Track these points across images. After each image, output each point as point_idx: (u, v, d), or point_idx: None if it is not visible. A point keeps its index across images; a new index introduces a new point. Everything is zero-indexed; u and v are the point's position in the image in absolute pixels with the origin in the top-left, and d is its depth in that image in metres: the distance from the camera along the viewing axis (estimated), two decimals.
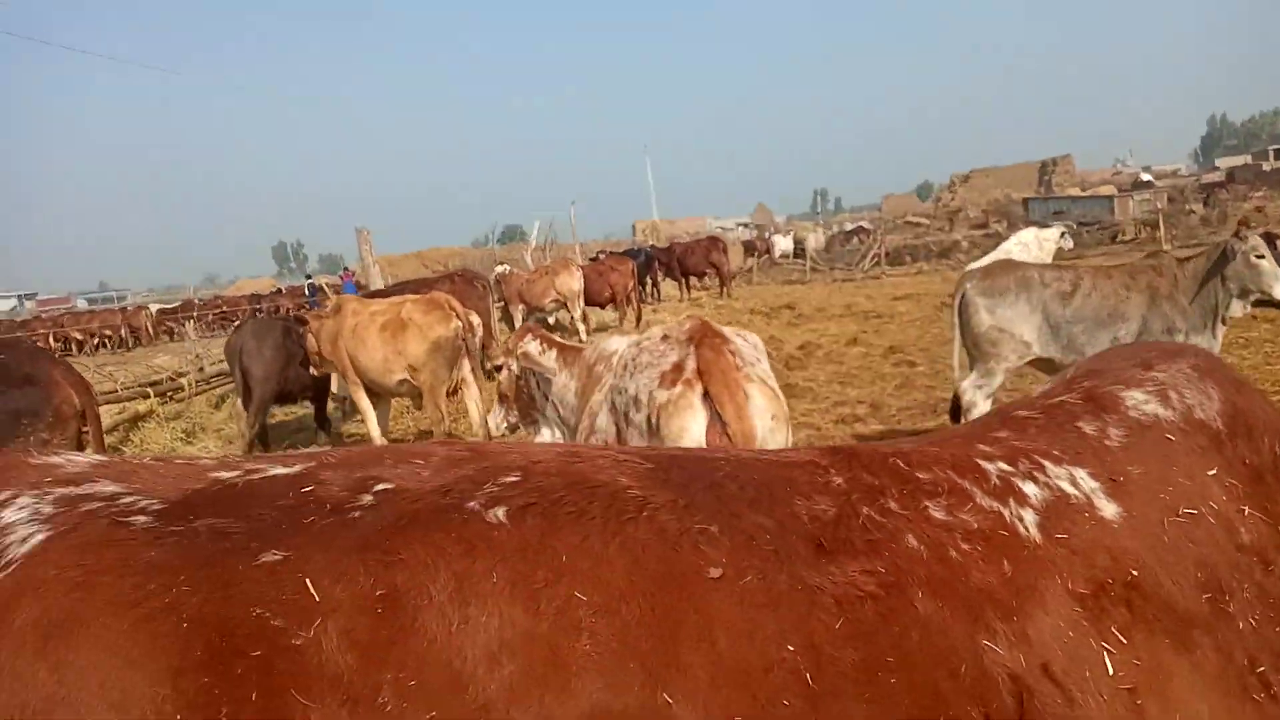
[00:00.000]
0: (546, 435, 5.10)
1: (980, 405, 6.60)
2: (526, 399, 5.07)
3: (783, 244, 37.99)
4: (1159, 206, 29.57)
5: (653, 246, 27.52)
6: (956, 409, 6.84)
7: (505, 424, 5.18)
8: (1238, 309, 6.25)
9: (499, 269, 17.93)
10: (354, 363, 8.15)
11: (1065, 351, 6.53)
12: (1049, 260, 19.21)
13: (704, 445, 3.19)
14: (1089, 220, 29.67)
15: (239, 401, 8.84)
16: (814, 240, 38.22)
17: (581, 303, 15.78)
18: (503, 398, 5.15)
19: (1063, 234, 20.78)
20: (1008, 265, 7.09)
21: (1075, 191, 46.38)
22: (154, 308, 39.14)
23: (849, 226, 43.85)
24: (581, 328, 15.67)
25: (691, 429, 3.28)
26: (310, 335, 8.45)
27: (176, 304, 41.13)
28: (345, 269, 27.72)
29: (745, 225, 74.31)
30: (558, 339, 5.10)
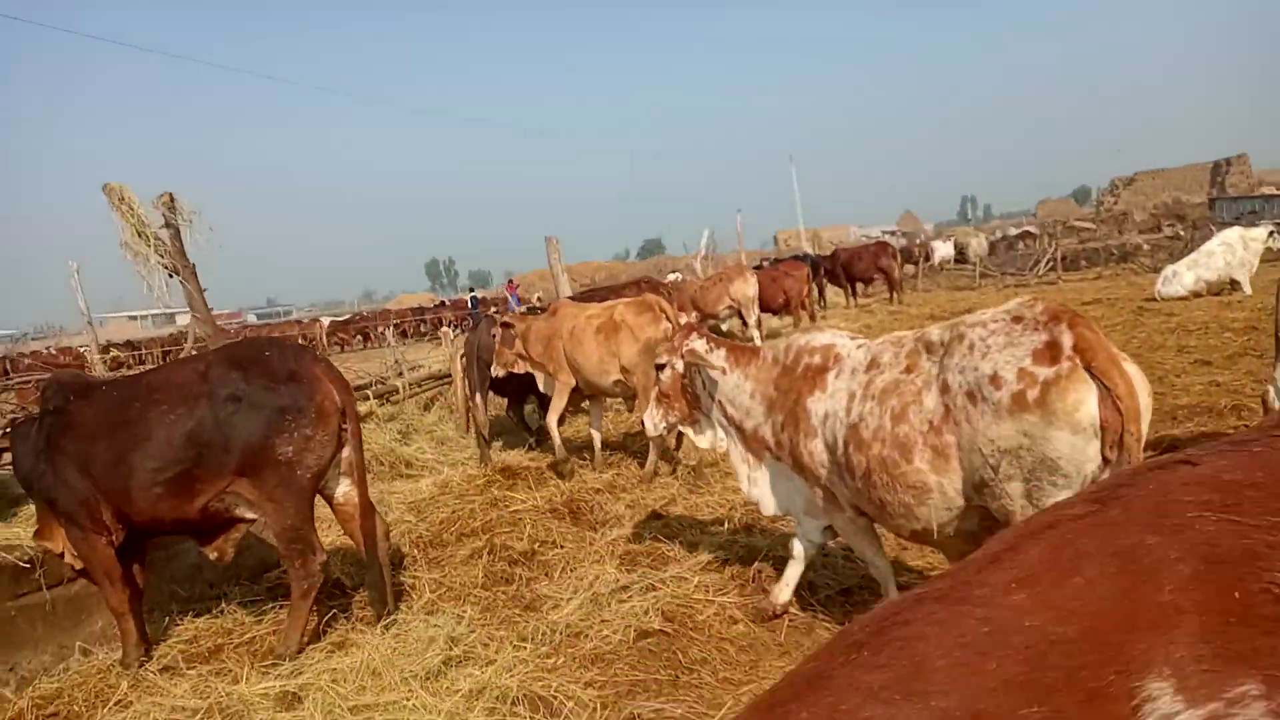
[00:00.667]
0: (709, 435, 5.01)
1: None
2: (690, 399, 4.96)
3: (943, 249, 36.83)
4: None
5: (815, 254, 26.94)
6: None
7: (664, 424, 5.06)
8: None
9: (671, 276, 17.87)
10: (571, 363, 8.18)
11: None
12: (1255, 261, 17.84)
13: (1098, 419, 3.36)
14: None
15: (475, 395, 9.06)
16: (976, 245, 36.79)
17: (756, 309, 15.52)
18: (661, 397, 5.02)
19: (1271, 233, 19.21)
20: None
21: (1268, 190, 43.00)
22: (325, 320, 41.19)
23: (1012, 231, 42.02)
24: (756, 333, 15.38)
25: (1089, 402, 3.36)
26: (514, 336, 8.54)
27: (346, 317, 43.20)
28: (510, 280, 28.37)
29: (891, 233, 72.52)
30: (725, 339, 4.98)
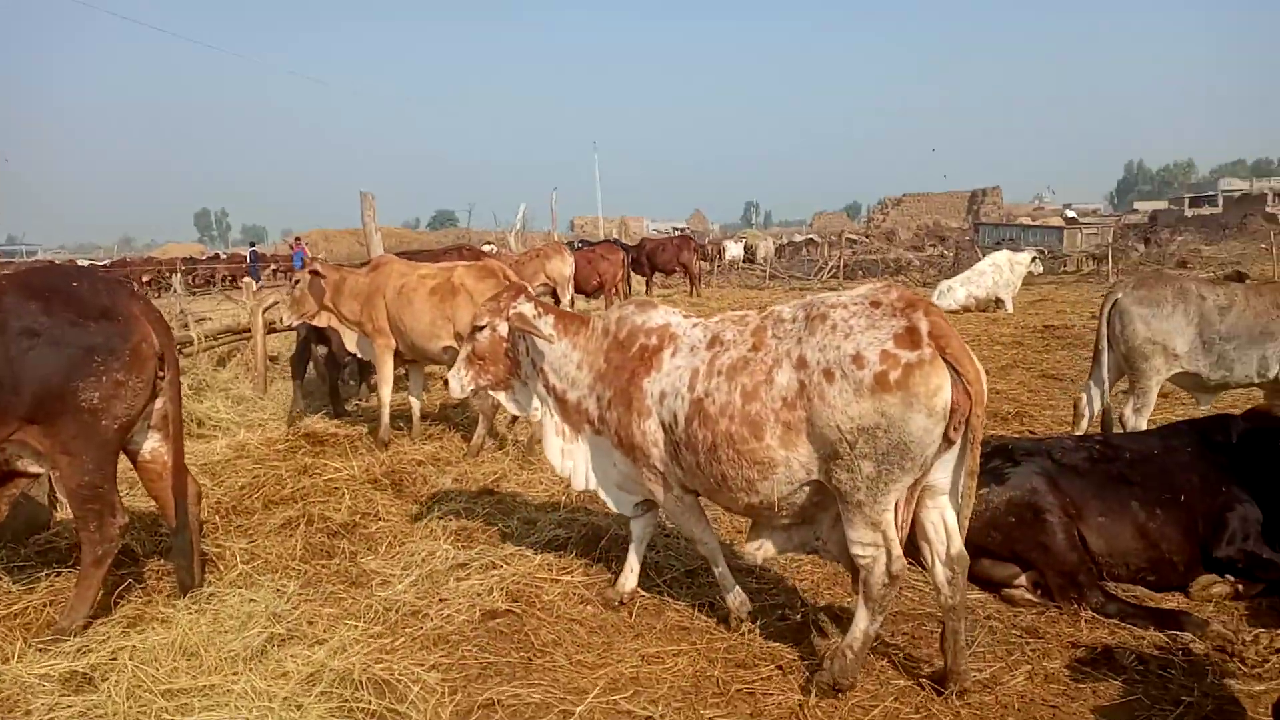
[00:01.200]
0: (523, 402, 4.86)
1: (1140, 426, 6.50)
2: (509, 364, 4.75)
3: (734, 249, 38.40)
4: (1108, 241, 30.49)
5: (620, 242, 27.17)
6: (1106, 428, 6.66)
7: (472, 386, 4.79)
8: None
9: (486, 248, 17.36)
10: (394, 324, 7.66)
11: (1213, 368, 6.48)
12: (1018, 282, 19.71)
13: (950, 403, 3.54)
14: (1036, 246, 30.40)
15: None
16: (765, 248, 38.60)
17: (571, 289, 15.36)
18: (475, 359, 4.72)
19: (1034, 259, 21.30)
20: (1162, 276, 6.95)
21: (1024, 220, 47.70)
22: (83, 263, 37.05)
23: (797, 238, 44.35)
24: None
25: (946, 387, 3.52)
26: (323, 287, 7.89)
27: (105, 262, 38.77)
28: (296, 238, 26.67)
29: (681, 230, 74.50)
30: (552, 306, 4.86)
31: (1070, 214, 58.80)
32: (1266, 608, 4.67)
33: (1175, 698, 3.76)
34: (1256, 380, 6.60)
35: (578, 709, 3.73)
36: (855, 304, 3.80)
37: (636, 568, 4.74)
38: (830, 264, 29.92)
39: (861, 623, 3.83)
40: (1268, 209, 44.23)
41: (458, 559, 5.15)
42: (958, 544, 3.85)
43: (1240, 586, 4.83)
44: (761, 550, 4.25)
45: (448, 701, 3.78)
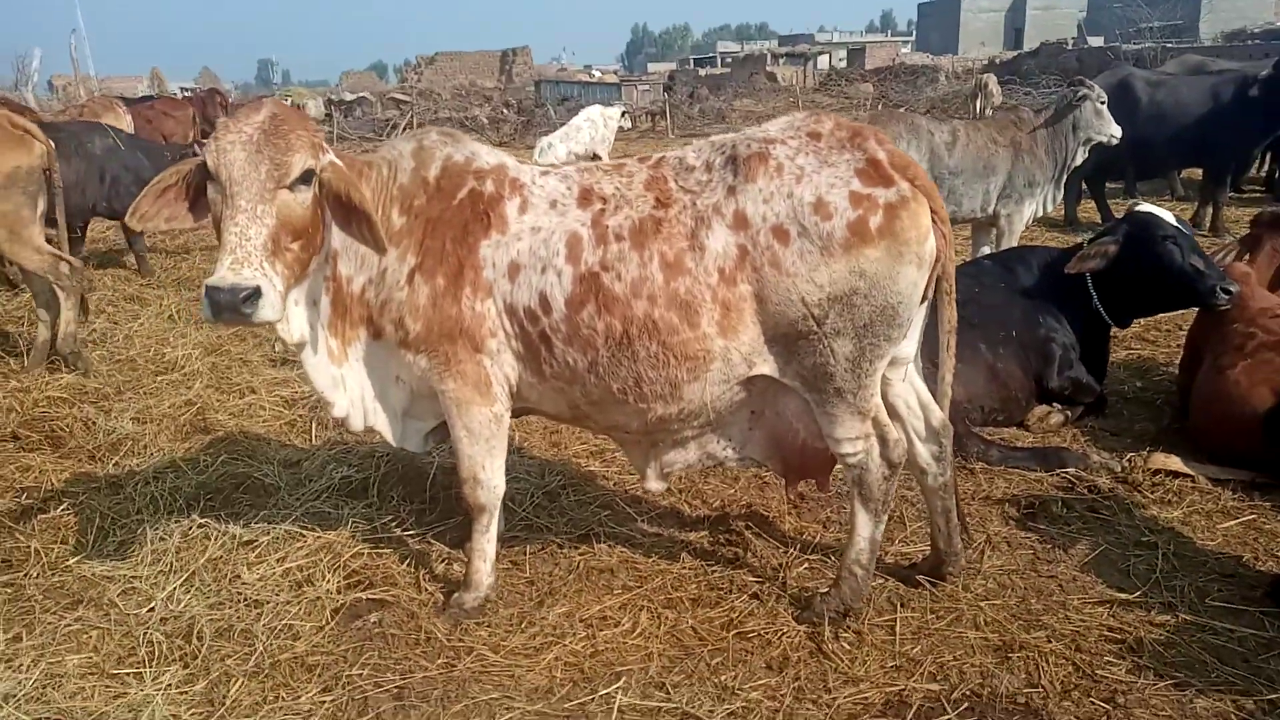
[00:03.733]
0: (298, 315, 2.93)
1: None
2: (317, 246, 2.89)
3: None
4: (665, 98, 31.92)
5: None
6: None
7: (288, 295, 2.80)
8: (1080, 157, 6.71)
9: None
10: None
11: (944, 203, 6.47)
12: (612, 137, 19.87)
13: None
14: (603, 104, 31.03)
15: None
16: (314, 108, 35.05)
17: None
18: (281, 243, 2.67)
19: (624, 113, 21.58)
20: (894, 114, 6.78)
21: (584, 77, 48.45)
22: None
23: (348, 97, 40.69)
24: None
25: (927, 224, 2.87)
26: None
27: None
28: None
29: (190, 91, 65.64)
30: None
31: (596, 73, 61.29)
32: (1100, 430, 4.84)
33: (1135, 539, 3.65)
34: (979, 215, 6.89)
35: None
36: (792, 139, 2.94)
37: (491, 553, 3.28)
38: (404, 122, 27.96)
39: (864, 529, 3.15)
40: (768, 68, 49.47)
41: (232, 535, 3.56)
42: (938, 414, 3.29)
43: (1069, 412, 4.96)
44: (660, 477, 3.29)
45: None
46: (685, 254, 2.88)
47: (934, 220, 2.91)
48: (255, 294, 2.51)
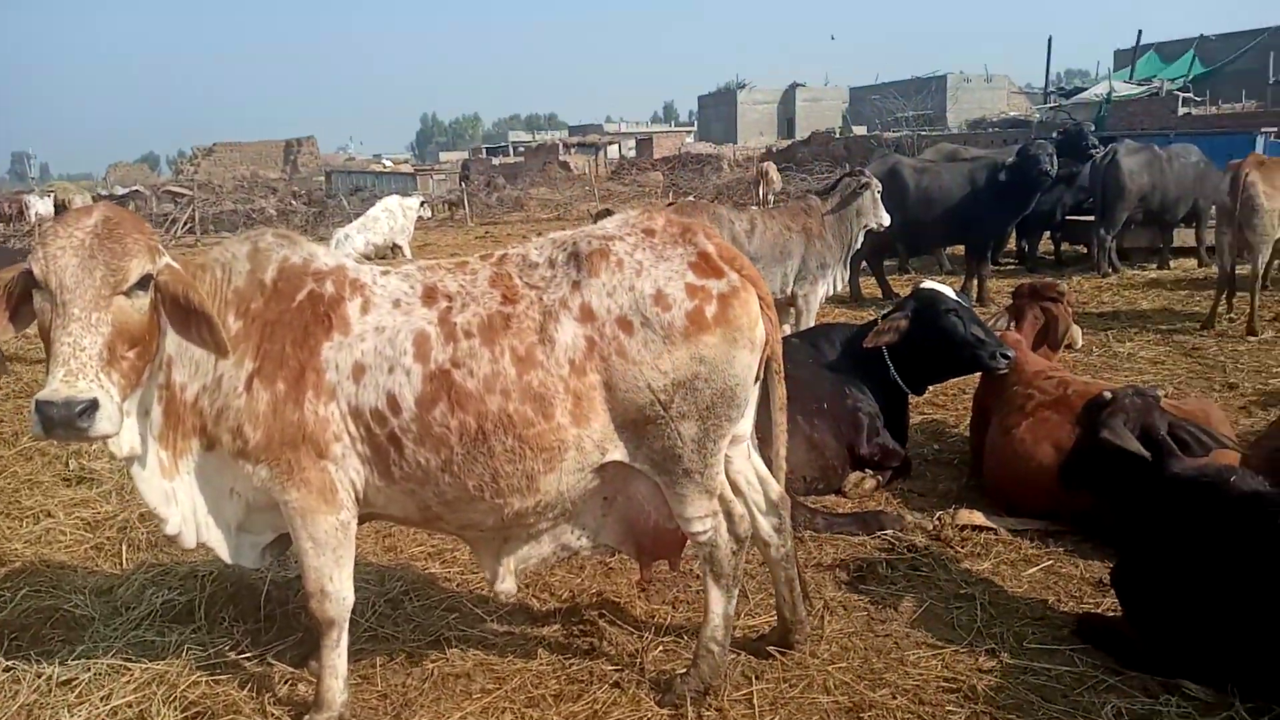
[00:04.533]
0: (130, 426, 2.74)
1: None
2: (153, 351, 2.76)
3: (41, 205, 32.08)
4: (462, 187, 32.04)
5: None
6: None
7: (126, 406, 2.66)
8: (859, 240, 7.28)
9: None
10: None
11: None
12: (412, 227, 19.71)
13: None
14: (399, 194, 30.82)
15: None
16: (81, 203, 32.80)
17: None
18: (117, 351, 2.53)
19: (422, 203, 21.49)
20: (696, 205, 7.13)
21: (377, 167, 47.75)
22: None
23: (120, 191, 38.32)
24: None
25: (757, 310, 3.08)
26: None
27: None
28: None
29: None
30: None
31: (388, 162, 60.92)
32: (909, 491, 5.22)
33: (954, 592, 3.95)
34: (779, 296, 7.35)
35: None
36: (629, 234, 3.12)
37: (343, 669, 3.10)
38: (184, 219, 26.61)
39: (718, 605, 3.26)
40: (560, 158, 50.78)
41: (46, 675, 3.21)
42: (775, 487, 3.48)
43: (880, 477, 5.32)
44: (512, 575, 3.25)
45: None
46: (536, 347, 2.93)
47: (761, 306, 3.11)
48: (92, 406, 2.36)
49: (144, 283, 2.60)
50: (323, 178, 43.25)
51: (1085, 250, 12.44)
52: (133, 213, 2.95)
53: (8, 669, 3.26)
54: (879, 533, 4.56)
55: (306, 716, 3.07)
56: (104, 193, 37.24)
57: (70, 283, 2.46)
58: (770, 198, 22.17)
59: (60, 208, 32.71)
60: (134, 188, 38.80)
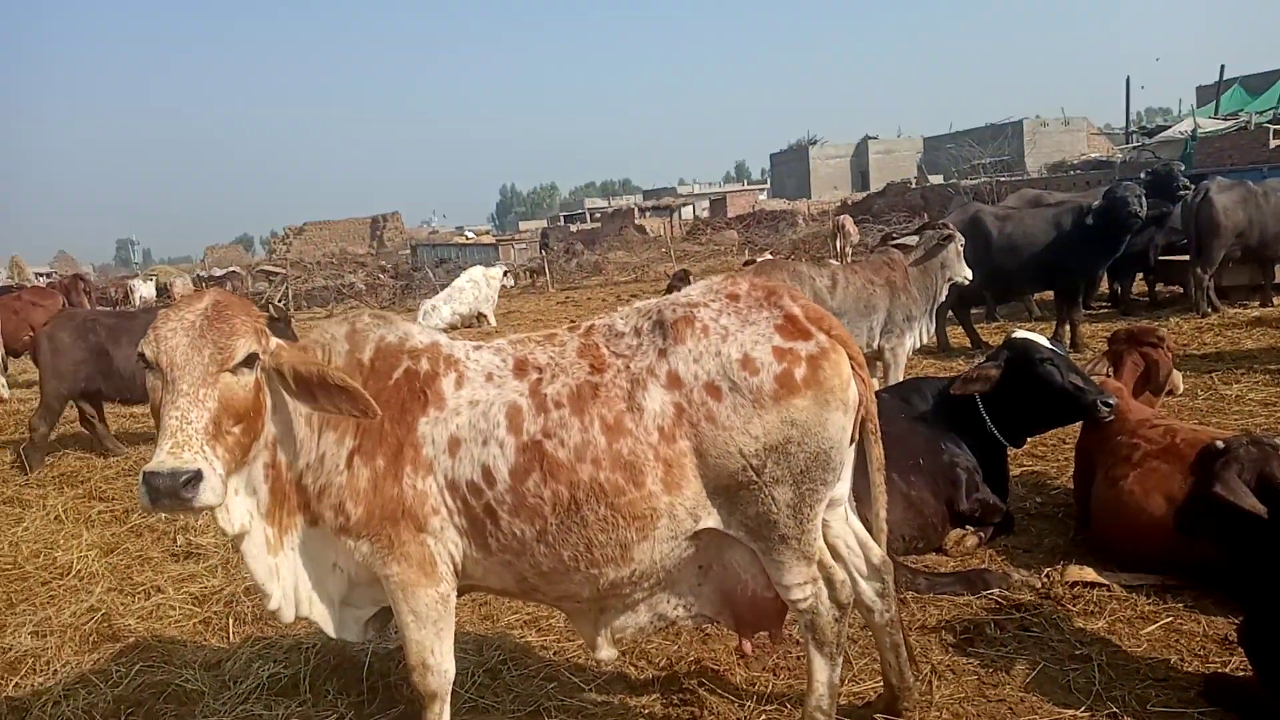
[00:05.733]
0: (239, 504, 2.83)
1: None
2: (259, 430, 2.83)
3: (143, 289, 34.00)
4: (542, 254, 32.74)
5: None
6: None
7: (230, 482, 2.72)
8: (944, 293, 7.18)
9: None
10: None
11: None
12: (496, 295, 20.15)
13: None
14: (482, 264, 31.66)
15: None
16: (181, 285, 34.60)
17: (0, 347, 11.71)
18: (222, 426, 2.60)
19: (505, 272, 22.02)
20: (776, 264, 7.14)
21: (460, 239, 49.13)
22: None
23: (217, 272, 40.15)
24: (2, 380, 11.62)
25: (848, 371, 3.03)
26: None
27: None
28: None
29: (46, 275, 63.67)
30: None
31: (470, 234, 62.55)
32: (1013, 548, 5.03)
33: (1069, 653, 3.77)
34: (865, 351, 7.26)
35: None
36: (714, 302, 3.11)
37: None
38: (277, 295, 27.70)
39: (821, 674, 3.18)
40: (636, 221, 51.50)
41: None
42: (878, 551, 3.40)
43: (981, 534, 5.15)
44: (611, 644, 3.23)
45: None
46: (624, 415, 2.94)
47: (853, 366, 3.07)
48: (196, 477, 2.43)
49: (249, 361, 2.70)
50: (408, 251, 44.63)
51: (1181, 291, 12.03)
52: (241, 297, 3.07)
53: None
54: (984, 592, 4.41)
55: None
56: (202, 274, 38.99)
57: (180, 360, 2.57)
58: (848, 251, 22.06)
59: (161, 290, 34.62)
60: (231, 269, 40.51)
